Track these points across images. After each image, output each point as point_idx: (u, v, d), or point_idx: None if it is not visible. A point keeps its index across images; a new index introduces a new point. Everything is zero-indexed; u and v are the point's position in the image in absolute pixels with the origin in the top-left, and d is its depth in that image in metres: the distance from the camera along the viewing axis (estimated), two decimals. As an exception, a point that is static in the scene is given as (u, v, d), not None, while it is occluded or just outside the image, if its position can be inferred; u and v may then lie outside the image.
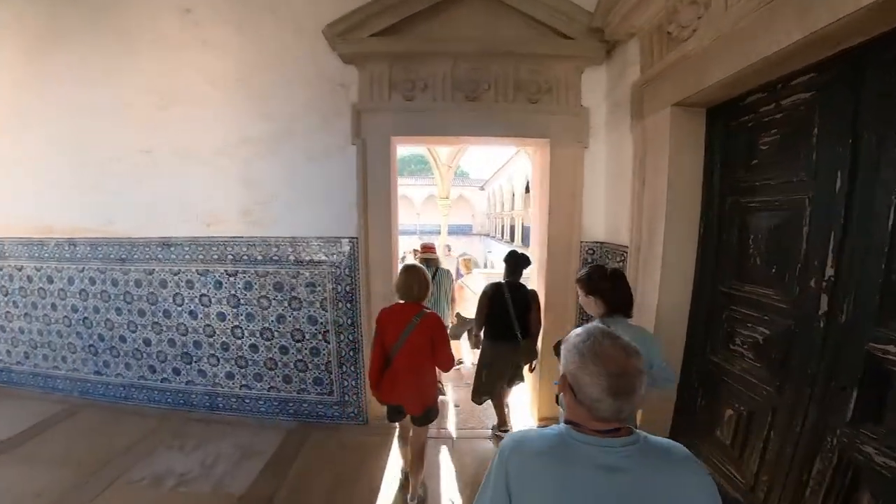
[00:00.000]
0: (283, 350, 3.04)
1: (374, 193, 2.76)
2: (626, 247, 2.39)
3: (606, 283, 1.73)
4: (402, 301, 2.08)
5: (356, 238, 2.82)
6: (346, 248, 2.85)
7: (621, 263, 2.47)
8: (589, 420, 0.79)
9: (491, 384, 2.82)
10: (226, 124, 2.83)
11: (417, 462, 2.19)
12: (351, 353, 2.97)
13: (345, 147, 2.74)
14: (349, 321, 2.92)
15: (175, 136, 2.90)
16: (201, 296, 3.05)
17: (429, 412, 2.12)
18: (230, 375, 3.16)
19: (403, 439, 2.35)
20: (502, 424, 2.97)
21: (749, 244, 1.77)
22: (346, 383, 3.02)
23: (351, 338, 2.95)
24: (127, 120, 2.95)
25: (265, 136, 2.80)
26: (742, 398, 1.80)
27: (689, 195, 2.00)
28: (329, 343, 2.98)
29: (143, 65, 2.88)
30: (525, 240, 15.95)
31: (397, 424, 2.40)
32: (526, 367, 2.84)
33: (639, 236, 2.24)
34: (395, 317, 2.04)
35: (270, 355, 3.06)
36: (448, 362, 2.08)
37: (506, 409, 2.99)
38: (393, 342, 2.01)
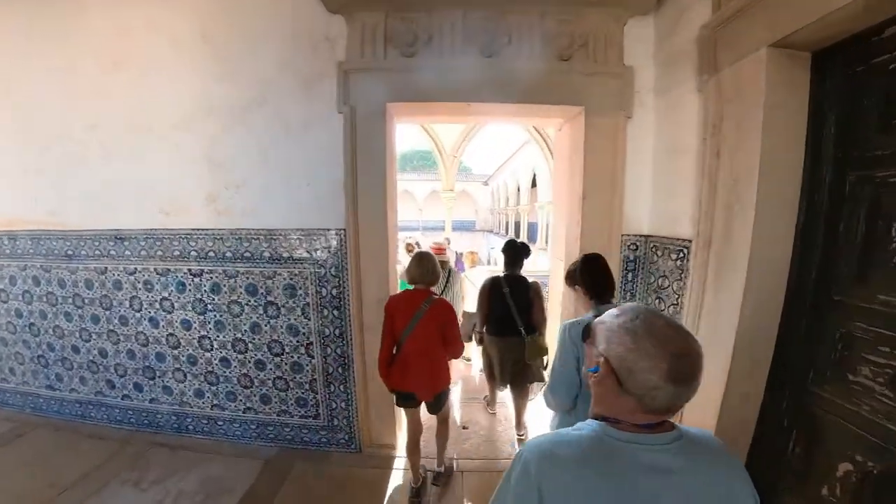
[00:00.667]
0: (260, 365, 2.55)
1: (365, 174, 2.24)
2: (687, 241, 1.88)
3: (581, 265, 1.57)
4: (410, 287, 2.08)
5: (344, 230, 2.31)
6: (333, 243, 2.34)
7: (679, 262, 1.95)
8: (637, 413, 0.66)
9: (497, 378, 2.76)
10: (187, 91, 2.32)
11: (443, 432, 2.25)
12: (340, 370, 2.47)
13: (329, 116, 2.21)
14: (337, 332, 2.42)
15: (128, 107, 2.39)
16: (162, 300, 2.56)
17: (440, 397, 2.12)
18: (199, 393, 2.67)
19: (412, 448, 2.17)
20: (490, 403, 3.11)
21: (890, 236, 1.25)
22: (334, 405, 2.53)
23: (339, 352, 2.45)
24: (72, 90, 2.44)
25: (234, 104, 2.29)
26: (870, 451, 1.29)
27: (788, 169, 1.48)
28: (313, 357, 2.48)
29: (91, 23, 2.38)
30: (533, 236, 15.41)
31: (406, 431, 2.27)
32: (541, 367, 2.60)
33: (709, 227, 1.72)
34: (404, 303, 2.02)
35: (245, 371, 2.57)
36: (459, 349, 2.09)
37: (497, 393, 3.06)
38: (402, 328, 1.99)
